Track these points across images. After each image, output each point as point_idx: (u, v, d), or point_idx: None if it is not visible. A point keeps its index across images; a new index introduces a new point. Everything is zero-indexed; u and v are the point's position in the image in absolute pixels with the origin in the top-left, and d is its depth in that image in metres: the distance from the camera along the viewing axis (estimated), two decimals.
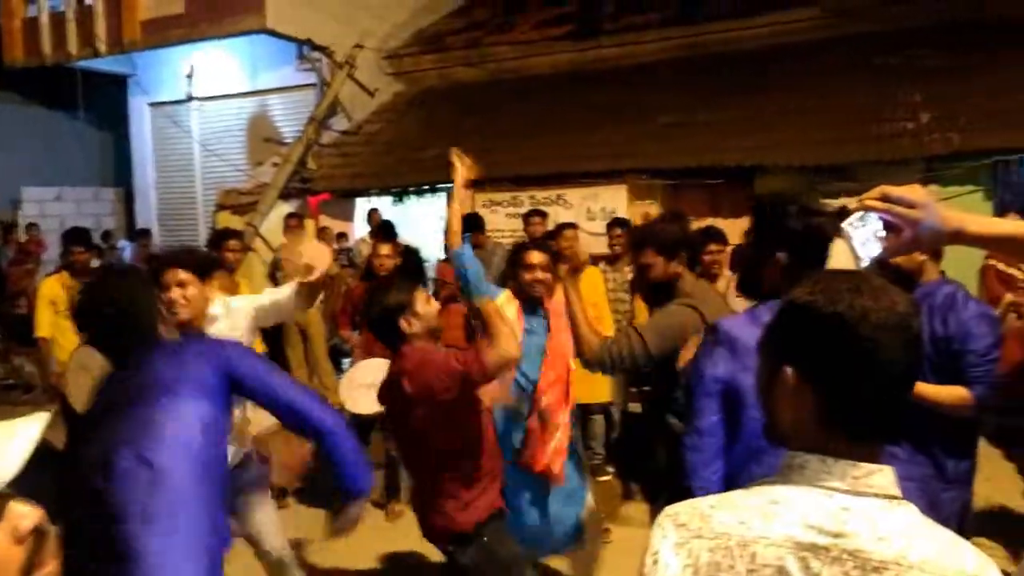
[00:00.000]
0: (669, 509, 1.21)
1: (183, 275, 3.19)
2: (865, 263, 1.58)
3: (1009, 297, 5.10)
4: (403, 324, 2.97)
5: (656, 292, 3.12)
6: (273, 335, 7.23)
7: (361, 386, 4.31)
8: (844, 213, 1.70)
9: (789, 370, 1.17)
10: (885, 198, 1.51)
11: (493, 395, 3.42)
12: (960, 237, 1.60)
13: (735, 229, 6.26)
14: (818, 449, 1.15)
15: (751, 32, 9.87)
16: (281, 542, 3.77)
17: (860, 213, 1.54)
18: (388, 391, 3.02)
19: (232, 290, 5.52)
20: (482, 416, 3.07)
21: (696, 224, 6.88)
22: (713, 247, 5.44)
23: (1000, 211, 6.96)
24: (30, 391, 8.93)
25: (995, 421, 4.78)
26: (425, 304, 3.02)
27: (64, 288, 6.03)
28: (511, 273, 3.81)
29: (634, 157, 8.42)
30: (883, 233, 1.55)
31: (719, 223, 6.18)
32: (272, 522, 3.77)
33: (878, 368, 1.12)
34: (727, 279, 5.34)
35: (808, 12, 9.56)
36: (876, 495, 1.11)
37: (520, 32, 11.75)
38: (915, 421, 2.83)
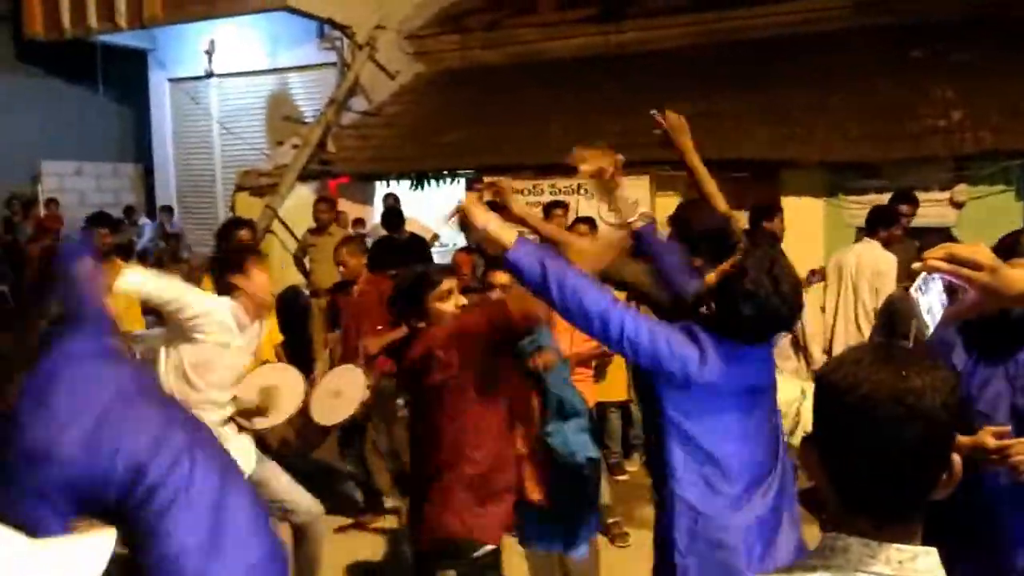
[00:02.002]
0: None
1: None
2: (931, 329, 1.54)
3: None
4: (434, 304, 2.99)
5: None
6: (299, 319, 7.26)
7: (330, 395, 4.29)
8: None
9: (811, 446, 1.17)
10: (950, 259, 1.45)
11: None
12: None
13: None
14: (845, 528, 1.12)
15: (778, 19, 9.68)
16: (309, 498, 3.81)
17: (924, 275, 1.49)
18: (418, 364, 2.88)
19: None
20: (503, 414, 3.01)
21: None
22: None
23: None
24: None
25: None
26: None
27: None
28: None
29: (657, 147, 8.29)
30: (945, 298, 1.50)
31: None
32: (292, 482, 3.79)
33: (887, 445, 1.08)
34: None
35: (837, 1, 9.38)
36: None
37: (542, 14, 11.61)
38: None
